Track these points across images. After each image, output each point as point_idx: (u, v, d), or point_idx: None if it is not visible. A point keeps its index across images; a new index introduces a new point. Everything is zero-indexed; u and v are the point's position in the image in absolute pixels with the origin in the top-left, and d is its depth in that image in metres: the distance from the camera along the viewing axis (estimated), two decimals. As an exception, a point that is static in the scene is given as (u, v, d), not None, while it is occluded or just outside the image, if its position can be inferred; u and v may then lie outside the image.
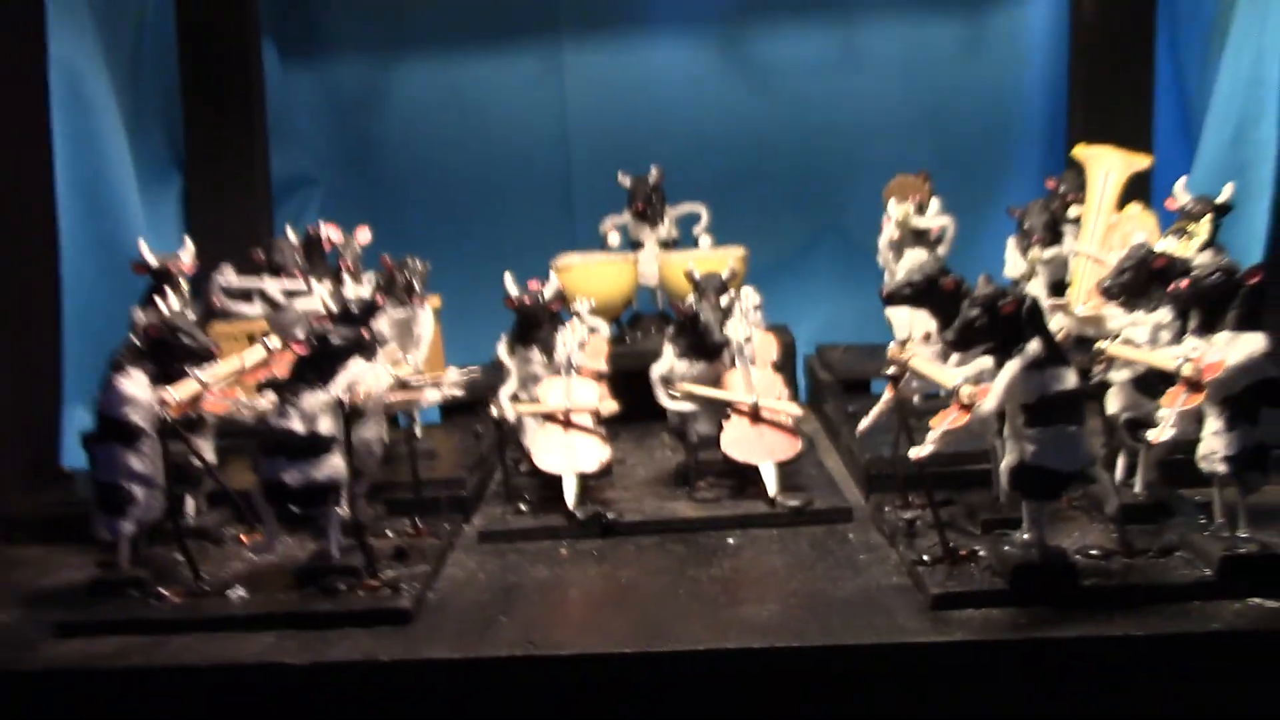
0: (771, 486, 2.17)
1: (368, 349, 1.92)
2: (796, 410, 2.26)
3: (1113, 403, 1.96)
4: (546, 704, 1.68)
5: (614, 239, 3.20)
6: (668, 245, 3.18)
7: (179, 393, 1.85)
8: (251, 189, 3.36)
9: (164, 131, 3.34)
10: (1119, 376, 1.94)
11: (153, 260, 2.36)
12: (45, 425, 2.61)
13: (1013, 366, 1.65)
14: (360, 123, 3.83)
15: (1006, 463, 1.73)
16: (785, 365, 2.74)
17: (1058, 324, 1.98)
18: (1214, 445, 1.72)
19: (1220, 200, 2.23)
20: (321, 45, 3.76)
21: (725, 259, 2.80)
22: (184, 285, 2.37)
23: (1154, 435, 1.74)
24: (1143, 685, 1.62)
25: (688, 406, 2.27)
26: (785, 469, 2.23)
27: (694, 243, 3.19)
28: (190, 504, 2.19)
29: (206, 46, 3.29)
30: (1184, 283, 1.72)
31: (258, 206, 3.37)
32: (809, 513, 2.14)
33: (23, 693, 1.71)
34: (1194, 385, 1.68)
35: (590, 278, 3.01)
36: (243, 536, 2.15)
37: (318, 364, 1.83)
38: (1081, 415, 1.68)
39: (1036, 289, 2.57)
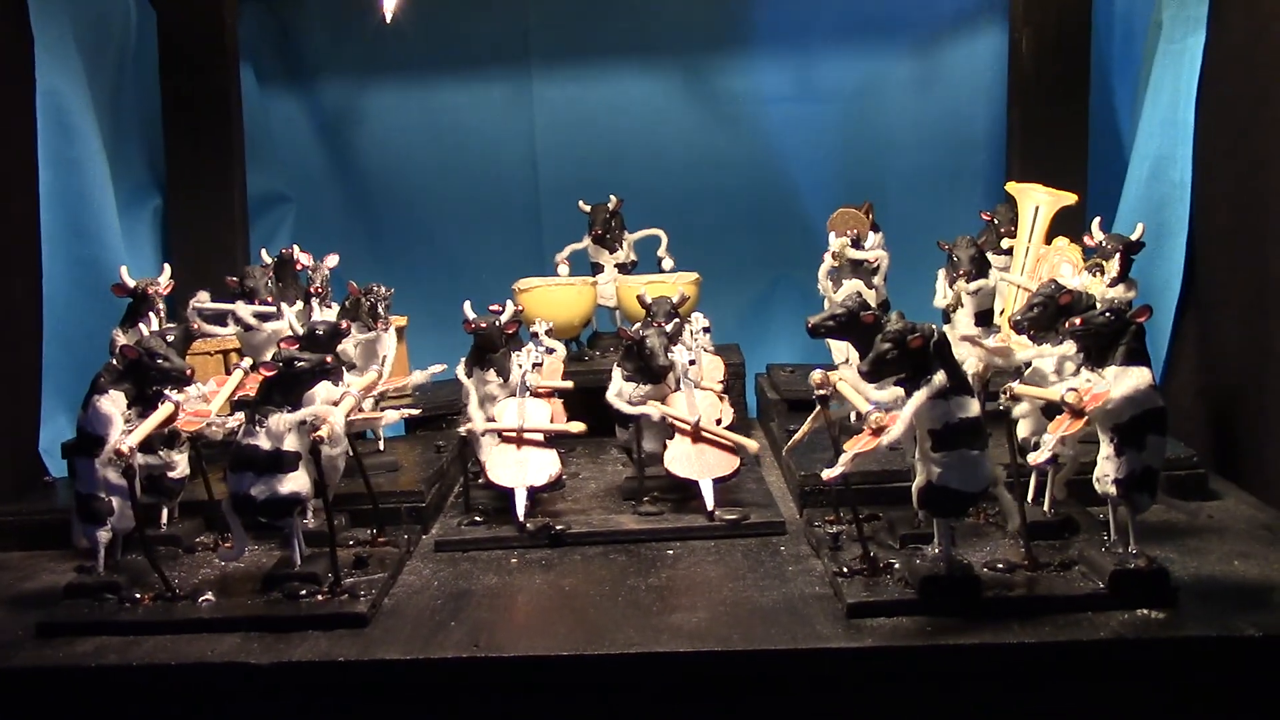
0: (710, 501, 2.27)
1: (333, 372, 2.00)
2: (753, 446, 2.35)
3: (1022, 429, 2.09)
4: (491, 702, 1.77)
5: (563, 270, 3.25)
6: (625, 269, 3.26)
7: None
8: (229, 209, 3.40)
9: (145, 155, 3.38)
10: (1023, 409, 2.07)
11: (131, 283, 2.43)
12: (26, 437, 2.65)
13: (920, 395, 1.76)
14: (335, 144, 3.88)
15: (916, 483, 1.85)
16: (735, 384, 2.85)
17: (971, 355, 2.10)
18: (1105, 469, 1.82)
19: (1131, 238, 2.35)
20: (299, 70, 3.81)
21: (677, 284, 2.89)
22: (161, 307, 2.44)
23: (1034, 458, 1.85)
24: (1037, 688, 1.73)
25: (649, 411, 2.35)
26: (726, 485, 2.34)
27: (656, 265, 3.25)
28: (164, 513, 2.28)
29: (187, 73, 3.33)
30: (1078, 320, 1.85)
31: (234, 226, 3.41)
32: (744, 526, 2.25)
33: (5, 689, 1.79)
34: (1076, 413, 1.79)
35: (550, 300, 3.08)
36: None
37: (284, 386, 1.92)
38: (983, 440, 1.80)
39: (963, 319, 2.65)
